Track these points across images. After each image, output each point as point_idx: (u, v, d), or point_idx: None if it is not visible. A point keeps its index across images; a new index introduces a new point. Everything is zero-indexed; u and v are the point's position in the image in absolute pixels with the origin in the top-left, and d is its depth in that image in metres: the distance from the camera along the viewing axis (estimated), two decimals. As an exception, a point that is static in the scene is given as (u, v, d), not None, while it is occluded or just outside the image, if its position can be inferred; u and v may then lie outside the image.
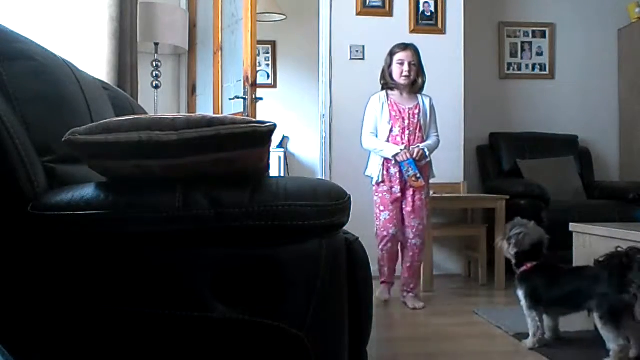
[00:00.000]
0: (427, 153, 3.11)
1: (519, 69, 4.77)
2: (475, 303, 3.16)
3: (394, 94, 3.17)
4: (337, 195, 1.14)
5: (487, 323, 2.66)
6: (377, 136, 3.13)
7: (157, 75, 3.57)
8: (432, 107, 3.22)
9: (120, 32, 2.86)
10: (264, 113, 4.19)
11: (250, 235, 1.08)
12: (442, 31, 4.02)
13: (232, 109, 3.33)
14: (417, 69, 3.15)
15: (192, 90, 3.92)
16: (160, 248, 1.09)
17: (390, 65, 3.16)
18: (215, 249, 1.09)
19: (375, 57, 3.94)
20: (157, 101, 3.59)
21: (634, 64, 4.64)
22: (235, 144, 1.08)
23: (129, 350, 1.09)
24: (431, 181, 3.92)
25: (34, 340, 1.10)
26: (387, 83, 3.18)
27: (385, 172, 3.11)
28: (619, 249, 2.01)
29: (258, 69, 5.20)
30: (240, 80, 3.26)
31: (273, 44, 5.60)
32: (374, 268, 1.36)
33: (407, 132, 3.10)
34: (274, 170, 5.17)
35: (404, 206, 3.11)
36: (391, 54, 3.16)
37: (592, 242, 2.51)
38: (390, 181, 3.10)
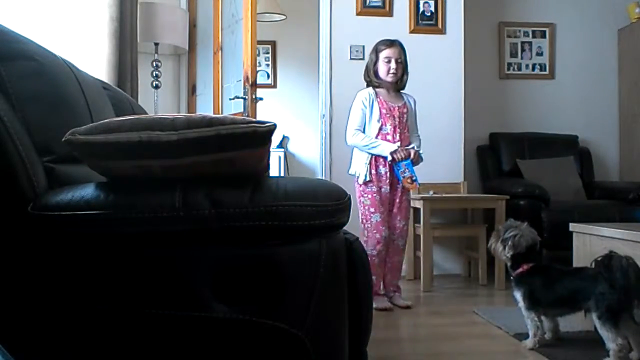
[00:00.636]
0: (422, 155, 3.04)
1: (519, 69, 4.77)
2: (475, 303, 3.16)
3: (382, 92, 3.07)
4: (337, 196, 1.14)
5: (487, 323, 2.66)
6: (364, 133, 3.01)
7: (157, 75, 3.57)
8: (415, 106, 3.15)
9: (120, 32, 2.86)
10: (264, 113, 4.19)
11: (250, 235, 1.08)
12: (442, 31, 4.02)
13: (232, 109, 3.33)
14: (403, 67, 3.07)
15: (192, 90, 3.92)
16: (160, 248, 1.09)
17: (375, 62, 3.06)
18: (215, 249, 1.09)
19: (375, 57, 3.95)
20: (157, 101, 3.59)
21: (634, 64, 4.64)
22: (235, 144, 1.08)
23: (130, 351, 1.10)
24: (431, 181, 3.95)
25: (34, 340, 1.10)
26: (372, 81, 3.07)
27: (373, 171, 2.98)
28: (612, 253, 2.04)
29: (258, 69, 5.20)
30: (240, 80, 3.26)
31: (273, 44, 5.60)
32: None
33: (398, 130, 3.01)
34: (274, 170, 5.17)
35: (390, 207, 3.04)
36: (376, 50, 3.06)
37: (592, 242, 2.51)
38: (379, 181, 2.99)
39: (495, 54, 4.74)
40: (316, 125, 4.42)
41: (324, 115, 3.95)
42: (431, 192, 3.76)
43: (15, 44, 1.29)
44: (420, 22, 4.00)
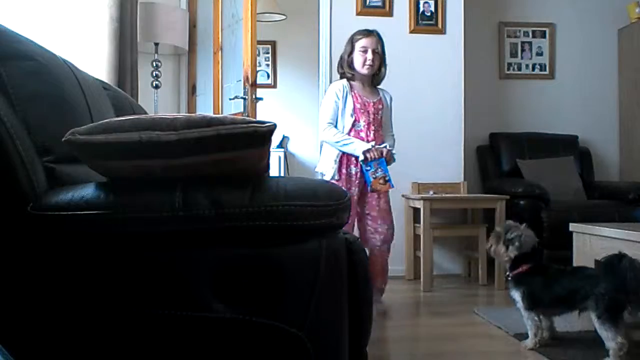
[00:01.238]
0: (395, 155, 2.86)
1: (519, 69, 4.77)
2: (475, 303, 3.16)
3: (356, 85, 2.86)
4: (336, 196, 1.14)
5: (487, 323, 2.66)
6: (336, 127, 2.81)
7: (157, 75, 3.57)
8: (391, 104, 2.96)
9: (120, 32, 2.86)
10: (264, 113, 4.19)
11: (250, 235, 1.08)
12: (442, 31, 4.02)
13: (232, 109, 3.33)
14: (381, 59, 2.85)
15: (192, 90, 3.92)
16: (160, 248, 1.09)
17: (350, 53, 2.84)
18: (215, 249, 1.09)
19: (375, 57, 3.95)
20: (157, 101, 3.59)
21: (634, 64, 4.64)
22: (235, 144, 1.08)
23: (130, 350, 1.10)
24: (431, 181, 3.95)
25: (34, 340, 1.10)
26: (346, 72, 2.86)
27: (344, 171, 2.79)
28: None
29: (258, 69, 5.20)
30: (240, 80, 3.26)
31: (273, 44, 5.60)
32: (374, 268, 1.35)
33: (372, 127, 2.82)
34: (274, 170, 5.17)
35: (366, 211, 2.84)
36: (352, 40, 2.85)
37: (592, 242, 2.51)
38: (349, 182, 2.79)
39: (495, 54, 4.74)
40: (316, 125, 4.42)
41: (324, 115, 3.94)
42: (431, 192, 3.76)
43: (15, 44, 1.29)
44: (420, 22, 4.00)
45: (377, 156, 2.72)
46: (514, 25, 4.76)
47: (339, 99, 2.81)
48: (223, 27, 3.55)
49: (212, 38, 3.63)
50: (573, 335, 2.41)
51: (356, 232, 2.88)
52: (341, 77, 2.91)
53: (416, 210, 3.69)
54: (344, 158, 2.80)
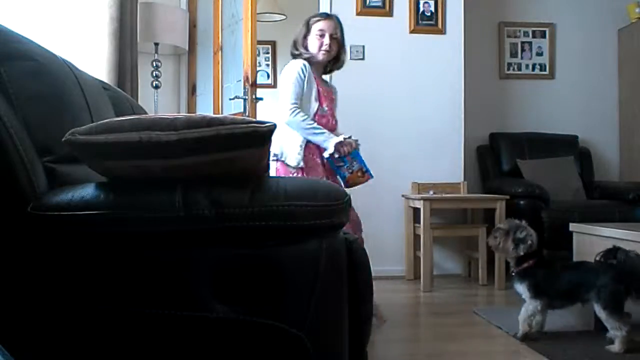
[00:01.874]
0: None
1: (519, 69, 4.77)
2: (475, 303, 3.16)
3: (313, 70, 2.62)
4: (336, 196, 1.14)
5: (487, 323, 2.66)
6: None
7: (157, 75, 3.57)
8: (337, 97, 2.76)
9: (120, 32, 2.86)
10: (264, 113, 4.19)
11: (250, 235, 1.08)
12: (442, 31, 4.02)
13: (232, 109, 3.33)
14: (339, 44, 2.64)
15: (192, 90, 3.92)
16: (160, 248, 1.09)
17: (306, 35, 2.62)
18: (215, 249, 1.09)
19: (375, 57, 3.96)
20: (157, 101, 3.59)
21: (634, 64, 4.64)
22: (235, 144, 1.08)
23: (129, 350, 1.10)
24: (431, 181, 3.95)
25: (34, 340, 1.10)
26: (302, 54, 2.61)
27: (311, 157, 2.54)
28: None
29: (258, 69, 5.20)
30: (240, 80, 3.26)
31: (273, 44, 5.60)
32: (374, 268, 1.36)
33: (334, 114, 2.63)
34: (274, 170, 5.16)
35: None
36: (308, 23, 2.64)
37: (592, 242, 2.51)
38: (315, 171, 2.54)
39: (495, 54, 4.74)
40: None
41: (324, 115, 3.94)
42: (431, 192, 3.76)
43: (15, 44, 1.29)
44: (420, 22, 4.00)
45: (349, 150, 2.54)
46: (514, 25, 4.76)
47: (302, 79, 2.54)
48: (223, 27, 3.55)
49: (212, 38, 3.63)
50: (573, 334, 2.41)
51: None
52: (295, 58, 2.65)
53: (416, 210, 3.69)
54: (315, 146, 2.56)
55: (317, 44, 2.60)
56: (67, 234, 1.08)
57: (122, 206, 1.07)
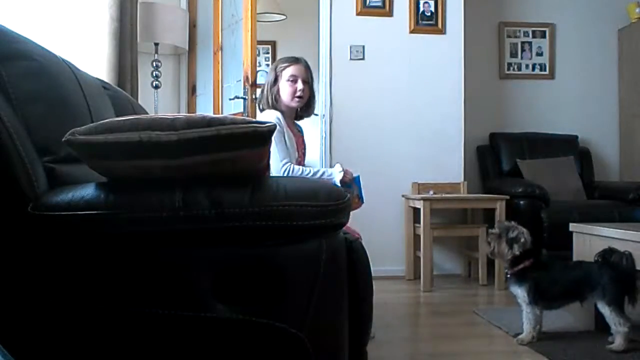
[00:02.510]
0: None
1: (519, 69, 4.77)
2: (475, 303, 3.16)
3: (284, 119, 2.50)
4: (336, 196, 1.14)
5: (487, 323, 2.66)
6: None
7: (157, 75, 3.57)
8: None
9: (120, 32, 2.86)
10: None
11: (250, 235, 1.08)
12: (442, 31, 4.02)
13: (232, 109, 3.33)
14: (310, 90, 2.52)
15: (192, 90, 3.92)
16: (160, 248, 1.09)
17: (275, 81, 2.48)
18: (215, 248, 1.09)
19: (375, 57, 3.96)
20: (157, 101, 3.59)
21: (634, 64, 4.64)
22: (235, 144, 1.08)
23: (129, 350, 1.10)
24: (431, 181, 3.95)
25: (34, 340, 1.10)
26: (272, 105, 2.48)
27: None
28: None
29: (258, 69, 5.20)
30: (240, 80, 3.26)
31: (273, 44, 5.60)
32: (374, 268, 1.36)
33: (301, 157, 2.56)
34: (274, 170, 5.16)
35: None
36: (276, 69, 2.49)
37: (592, 242, 2.51)
38: None
39: (495, 54, 4.74)
40: (316, 125, 4.42)
41: (324, 116, 3.95)
42: (431, 192, 3.76)
43: (15, 44, 1.29)
44: (420, 22, 4.00)
45: (351, 178, 2.49)
46: (514, 25, 4.76)
47: (282, 133, 2.42)
48: (223, 27, 3.55)
49: (212, 38, 3.63)
50: (573, 334, 2.41)
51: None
52: (263, 109, 2.54)
53: (416, 210, 3.69)
54: None
55: (289, 91, 2.46)
56: (67, 234, 1.08)
57: (122, 206, 1.07)
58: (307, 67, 2.52)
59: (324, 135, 3.95)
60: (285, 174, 2.36)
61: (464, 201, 3.83)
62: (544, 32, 4.77)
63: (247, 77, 3.18)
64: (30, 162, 1.13)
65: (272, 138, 2.38)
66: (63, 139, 1.07)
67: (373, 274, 1.30)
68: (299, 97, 2.46)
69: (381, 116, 3.95)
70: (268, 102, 2.49)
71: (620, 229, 2.35)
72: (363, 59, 3.95)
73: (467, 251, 3.93)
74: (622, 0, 4.78)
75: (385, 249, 3.78)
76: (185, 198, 1.07)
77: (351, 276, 1.19)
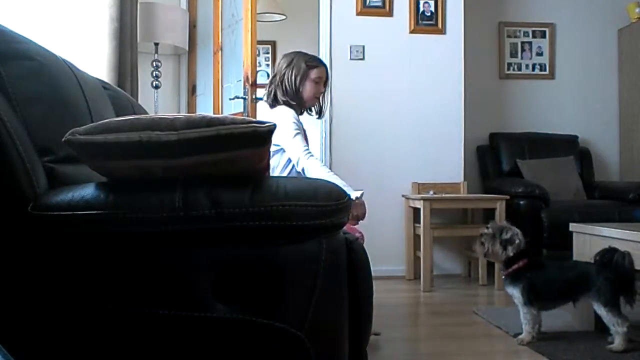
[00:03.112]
0: None
1: (519, 69, 4.77)
2: (475, 303, 3.16)
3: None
4: (337, 196, 1.14)
5: (487, 323, 2.66)
6: None
7: (157, 75, 3.57)
8: None
9: (120, 32, 2.86)
10: (264, 113, 4.19)
11: (250, 235, 1.08)
12: (442, 31, 4.02)
13: (232, 109, 3.33)
14: (323, 95, 2.60)
15: (192, 90, 3.92)
16: (160, 248, 1.09)
17: (303, 78, 2.46)
18: (215, 248, 1.09)
19: (375, 57, 3.96)
20: (157, 101, 3.59)
21: (634, 64, 4.64)
22: (235, 144, 1.08)
23: (129, 350, 1.10)
24: (431, 181, 3.95)
25: (34, 340, 1.10)
26: (290, 102, 2.46)
27: None
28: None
29: (258, 69, 5.20)
30: (240, 80, 3.26)
31: (273, 44, 5.60)
32: (374, 268, 1.36)
33: None
34: (274, 170, 5.16)
35: None
36: (306, 66, 2.48)
37: (592, 242, 2.51)
38: None
39: (495, 54, 4.74)
40: (316, 125, 4.42)
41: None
42: (431, 192, 3.76)
43: (15, 44, 1.29)
44: (420, 22, 4.00)
45: (362, 213, 2.31)
46: (514, 25, 4.76)
47: (301, 126, 2.44)
48: (223, 27, 3.55)
49: (212, 38, 3.63)
50: (573, 334, 2.41)
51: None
52: (273, 102, 2.52)
53: (416, 210, 3.70)
54: None
55: (313, 91, 2.49)
56: (67, 234, 1.08)
57: (122, 206, 1.07)
58: (327, 74, 2.59)
59: (324, 135, 3.95)
60: (307, 160, 2.30)
61: (464, 201, 3.83)
62: (544, 32, 4.77)
63: (247, 77, 3.18)
64: (30, 162, 1.13)
65: (292, 127, 2.36)
66: (63, 139, 1.07)
67: (373, 274, 1.30)
68: (317, 98, 2.54)
69: (381, 116, 3.95)
70: (286, 91, 2.46)
71: (620, 229, 2.34)
72: (363, 59, 3.96)
73: (467, 251, 3.93)
74: (622, 0, 4.78)
75: (385, 249, 3.78)
76: (185, 198, 1.07)
77: (351, 276, 1.19)
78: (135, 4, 3.14)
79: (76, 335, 1.09)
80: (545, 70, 4.79)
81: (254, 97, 3.18)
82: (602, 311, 2.15)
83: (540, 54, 4.79)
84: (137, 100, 3.09)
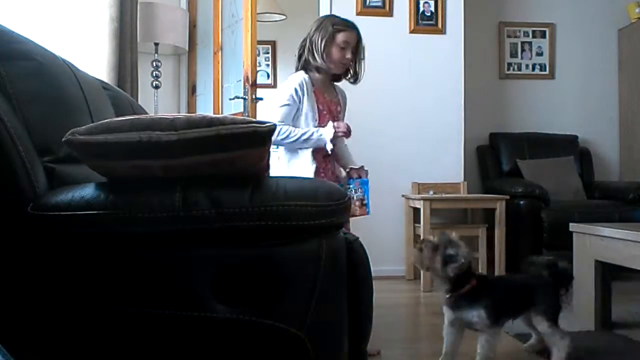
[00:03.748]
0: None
1: (519, 69, 4.77)
2: (475, 303, 3.16)
3: (318, 80, 2.41)
4: (337, 196, 1.14)
5: (487, 323, 2.65)
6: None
7: (157, 75, 3.57)
8: (346, 104, 2.56)
9: (120, 32, 2.86)
10: (264, 113, 4.19)
11: (250, 235, 1.08)
12: (442, 31, 4.02)
13: (232, 109, 3.33)
14: (356, 59, 2.45)
15: (192, 90, 3.92)
16: (160, 248, 1.09)
17: (329, 42, 2.35)
18: (215, 248, 1.09)
19: (375, 57, 3.95)
20: (157, 101, 3.59)
21: (634, 64, 4.64)
22: (235, 144, 1.08)
23: (129, 351, 1.10)
24: (431, 181, 3.95)
25: (34, 340, 1.10)
26: (312, 63, 2.38)
27: (322, 177, 2.33)
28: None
29: (258, 69, 5.20)
30: (240, 80, 3.26)
31: (273, 44, 5.60)
32: (374, 268, 1.36)
33: None
34: (274, 170, 5.16)
35: None
36: (333, 29, 2.35)
37: (592, 242, 2.51)
38: None
39: (495, 54, 4.74)
40: (316, 125, 4.43)
41: (324, 115, 3.94)
42: (431, 192, 3.76)
43: (15, 44, 1.29)
44: (420, 22, 4.00)
45: (344, 129, 2.31)
46: (514, 25, 4.76)
47: (300, 96, 2.35)
48: (223, 27, 3.55)
49: (212, 38, 3.63)
50: (573, 334, 2.40)
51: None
52: (301, 68, 2.44)
53: (416, 210, 3.69)
54: (321, 170, 2.35)
55: (338, 56, 2.37)
56: (67, 234, 1.08)
57: (122, 206, 1.07)
58: (359, 38, 2.43)
59: (324, 135, 3.94)
60: (276, 136, 2.23)
61: (464, 201, 3.83)
62: (544, 32, 4.77)
63: (247, 77, 3.17)
64: (30, 162, 1.13)
65: (280, 102, 2.29)
66: (63, 139, 1.07)
67: (373, 274, 1.30)
68: (344, 64, 2.40)
69: (381, 116, 3.95)
70: (314, 59, 2.37)
71: (620, 229, 2.34)
72: (363, 59, 3.94)
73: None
74: (622, 0, 4.78)
75: (385, 249, 3.78)
76: (185, 198, 1.07)
77: (351, 276, 1.19)
78: (135, 4, 3.14)
79: (76, 335, 1.09)
80: (545, 70, 4.79)
81: (254, 97, 3.18)
82: (544, 327, 2.03)
83: (540, 54, 4.79)
84: (137, 100, 3.09)
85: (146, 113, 2.39)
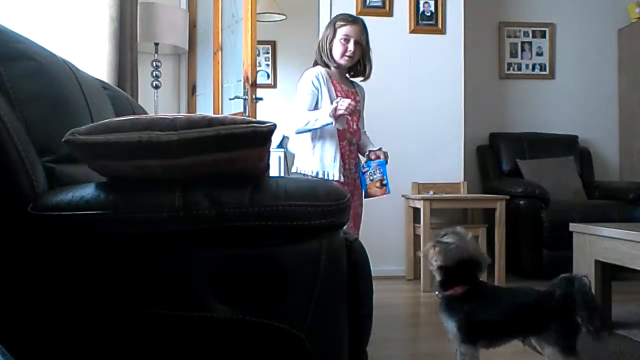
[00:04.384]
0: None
1: (519, 69, 4.77)
2: (475, 303, 3.16)
3: (333, 72, 2.54)
4: (337, 196, 1.14)
5: (487, 323, 2.65)
6: None
7: (157, 75, 3.57)
8: (365, 99, 2.68)
9: (120, 32, 2.86)
10: (263, 113, 4.19)
11: (250, 235, 1.08)
12: (442, 31, 4.02)
13: (232, 109, 3.33)
14: (363, 51, 2.54)
15: (192, 90, 3.92)
16: (160, 248, 1.09)
17: (332, 39, 2.50)
18: (215, 248, 1.09)
19: (375, 57, 3.94)
20: (157, 101, 3.59)
21: (634, 64, 4.64)
22: (235, 144, 1.08)
23: (130, 350, 1.10)
24: (431, 181, 3.95)
25: (34, 340, 1.10)
26: (324, 61, 2.52)
27: (344, 169, 2.46)
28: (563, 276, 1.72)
29: (258, 69, 5.20)
30: (240, 80, 3.26)
31: (273, 44, 5.59)
32: (374, 268, 1.36)
33: (355, 118, 2.53)
34: (274, 170, 5.17)
35: None
36: (334, 25, 2.51)
37: (592, 242, 2.51)
38: (347, 183, 2.46)
39: (495, 54, 4.74)
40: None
41: (324, 115, 3.94)
42: (431, 192, 3.76)
43: (15, 44, 1.29)
44: (420, 22, 4.00)
45: (345, 106, 2.33)
46: (514, 25, 4.76)
47: (317, 87, 2.46)
48: (223, 27, 3.55)
49: (212, 38, 3.63)
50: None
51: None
52: (314, 65, 2.57)
53: (416, 210, 3.69)
54: (345, 158, 2.47)
55: (340, 50, 2.48)
56: (67, 234, 1.09)
57: (122, 206, 1.07)
58: (364, 29, 2.53)
59: (324, 135, 3.94)
60: (295, 119, 2.46)
61: (464, 201, 3.83)
62: (544, 32, 4.77)
63: (247, 77, 3.17)
64: (30, 162, 1.13)
65: (298, 94, 2.44)
66: (63, 139, 1.07)
67: (373, 274, 1.30)
68: (348, 56, 2.49)
69: (381, 116, 3.94)
70: (322, 56, 2.53)
71: (620, 229, 2.34)
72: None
73: (467, 251, 3.93)
74: (622, 0, 4.78)
75: (385, 249, 3.78)
76: (185, 198, 1.07)
77: (351, 276, 1.19)
78: (135, 4, 3.14)
79: (76, 335, 1.09)
80: (545, 70, 4.79)
81: (254, 97, 3.18)
82: (555, 354, 1.65)
83: (540, 54, 4.78)
84: (137, 100, 3.09)
85: (146, 113, 2.39)
